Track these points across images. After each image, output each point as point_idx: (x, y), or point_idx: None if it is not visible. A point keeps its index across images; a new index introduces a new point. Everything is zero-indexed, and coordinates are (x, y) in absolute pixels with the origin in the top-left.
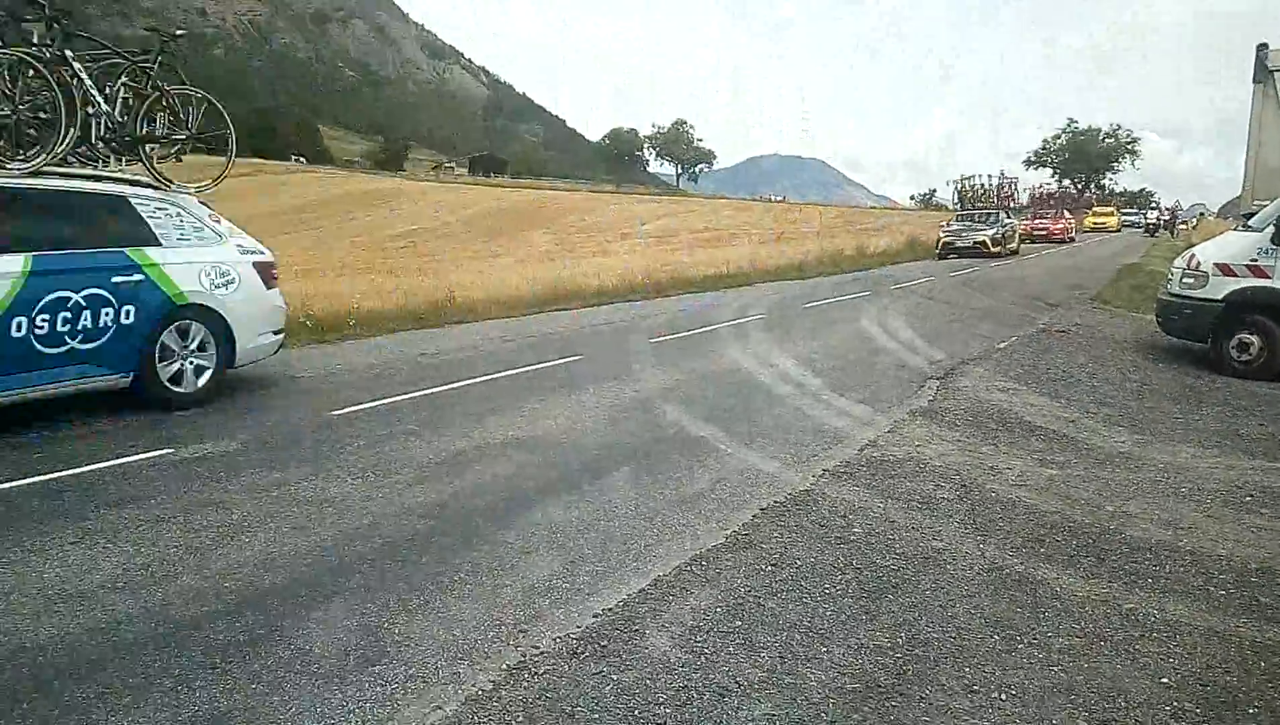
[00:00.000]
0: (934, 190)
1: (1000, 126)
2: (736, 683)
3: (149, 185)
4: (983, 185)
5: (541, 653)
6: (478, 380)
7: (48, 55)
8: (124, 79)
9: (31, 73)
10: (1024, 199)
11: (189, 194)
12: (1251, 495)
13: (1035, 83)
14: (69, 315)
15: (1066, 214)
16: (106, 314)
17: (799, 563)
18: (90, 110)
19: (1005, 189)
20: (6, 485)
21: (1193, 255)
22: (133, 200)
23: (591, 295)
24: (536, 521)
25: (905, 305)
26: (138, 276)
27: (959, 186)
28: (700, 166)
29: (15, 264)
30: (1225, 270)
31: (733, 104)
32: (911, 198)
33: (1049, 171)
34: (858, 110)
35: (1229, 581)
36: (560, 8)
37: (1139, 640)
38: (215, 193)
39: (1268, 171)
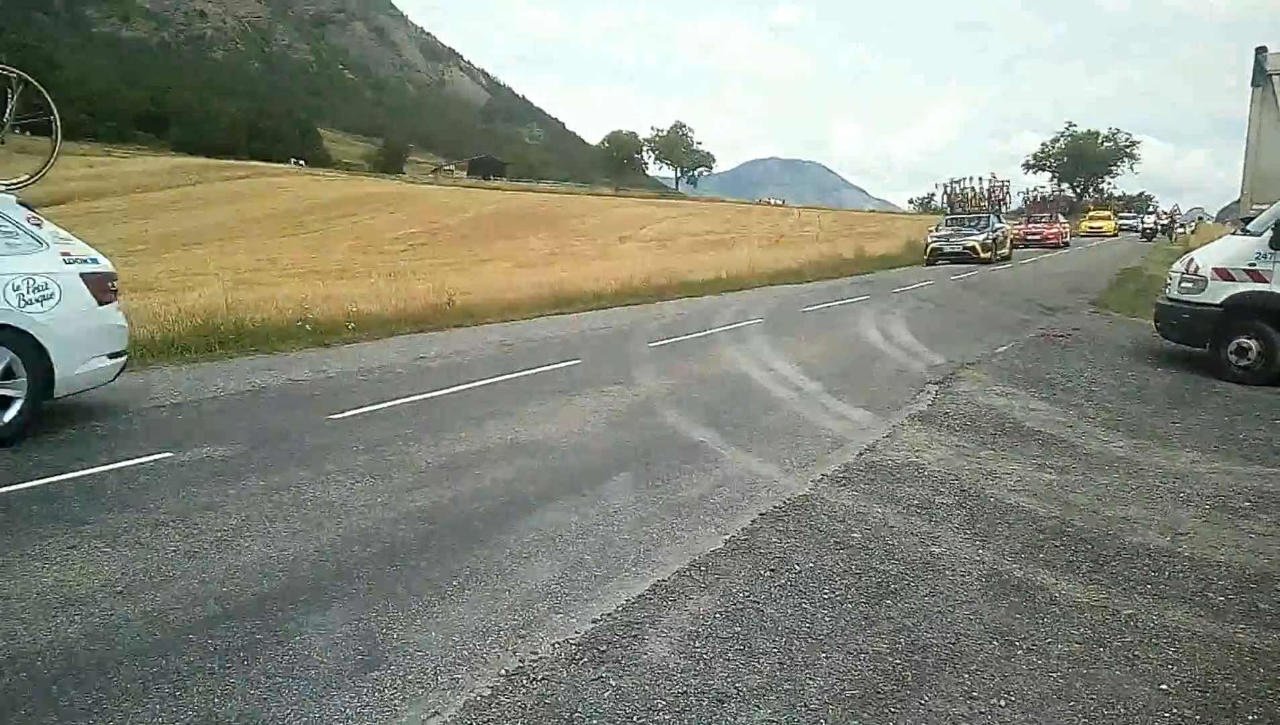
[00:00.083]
0: (933, 194)
1: (1000, 130)
2: (735, 688)
3: None
4: (973, 188)
5: (540, 658)
6: (477, 384)
7: None
8: None
9: None
10: (1018, 203)
11: None
12: (1250, 501)
13: (1036, 86)
14: None
15: (1061, 218)
16: None
17: (798, 568)
18: None
19: (996, 192)
20: (5, 489)
21: (1191, 260)
22: None
23: (591, 299)
24: (536, 526)
25: (904, 309)
26: None
27: (948, 190)
28: (699, 170)
29: None
30: (1223, 275)
31: (732, 107)
32: (911, 202)
33: (1048, 175)
34: (858, 114)
35: (1227, 587)
36: (559, 11)
37: (1138, 646)
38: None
39: (1266, 175)
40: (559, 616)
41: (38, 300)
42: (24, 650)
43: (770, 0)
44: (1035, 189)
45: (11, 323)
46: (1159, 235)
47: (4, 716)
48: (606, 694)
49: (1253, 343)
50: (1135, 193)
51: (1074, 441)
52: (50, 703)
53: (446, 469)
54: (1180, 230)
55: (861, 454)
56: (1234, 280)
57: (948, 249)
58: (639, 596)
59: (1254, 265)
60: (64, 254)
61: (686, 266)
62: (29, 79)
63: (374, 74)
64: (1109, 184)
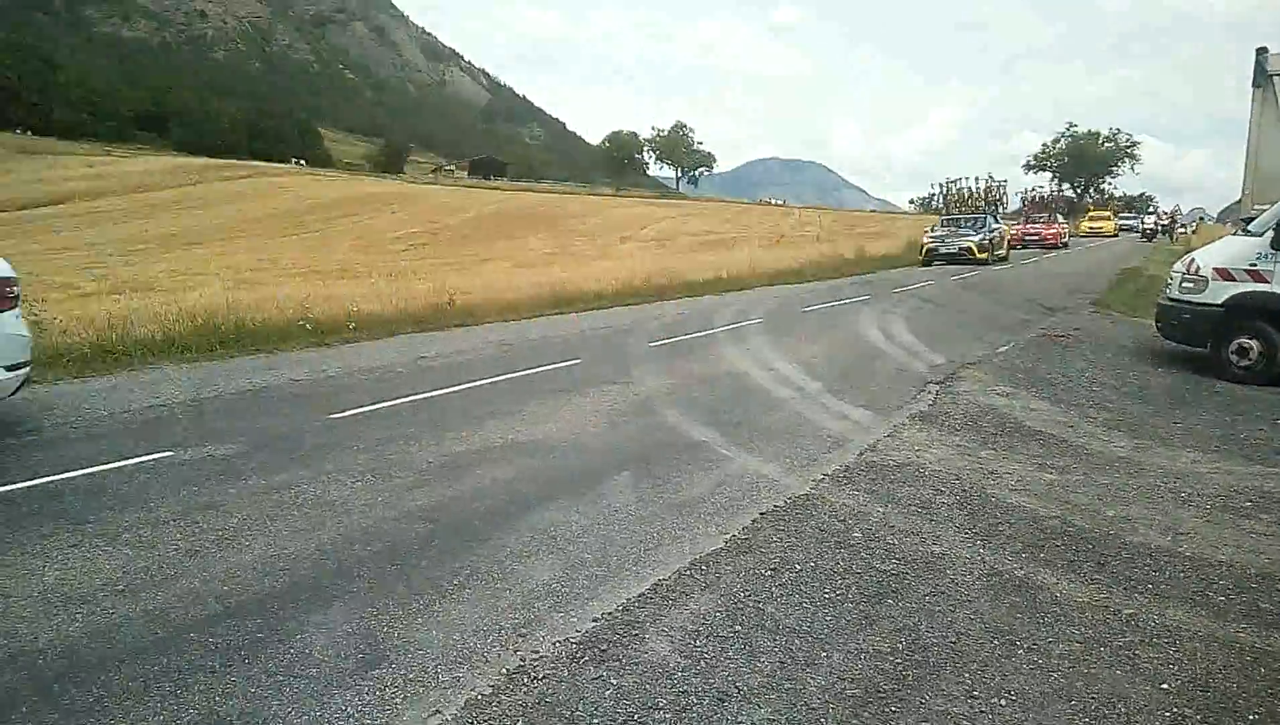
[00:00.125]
0: (933, 194)
1: (1000, 130)
2: (736, 688)
3: None
4: (970, 188)
5: (541, 657)
6: (477, 383)
7: None
8: None
9: None
10: (1016, 203)
11: None
12: (1251, 501)
13: (1036, 86)
14: None
15: (1060, 219)
16: None
17: (799, 567)
18: None
19: (993, 192)
20: (7, 488)
21: (1192, 260)
22: None
23: (591, 298)
24: (536, 525)
25: (905, 309)
26: None
27: (944, 190)
28: (700, 170)
29: None
30: (1224, 275)
31: (733, 107)
32: (911, 202)
33: (1048, 175)
34: (858, 114)
35: (1228, 587)
36: (560, 11)
37: (1139, 646)
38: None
39: (1267, 175)
40: (560, 615)
41: None
42: (25, 649)
43: (770, 0)
44: (1033, 189)
45: None
46: (1159, 235)
47: (5, 715)
48: (607, 693)
49: (1254, 343)
50: (1136, 193)
51: (1075, 441)
52: (52, 701)
53: (447, 468)
54: (1181, 230)
55: (862, 454)
56: (1235, 280)
57: (943, 250)
58: (640, 595)
59: (1255, 265)
60: None
61: (687, 266)
62: None
63: (374, 74)
64: (1110, 184)
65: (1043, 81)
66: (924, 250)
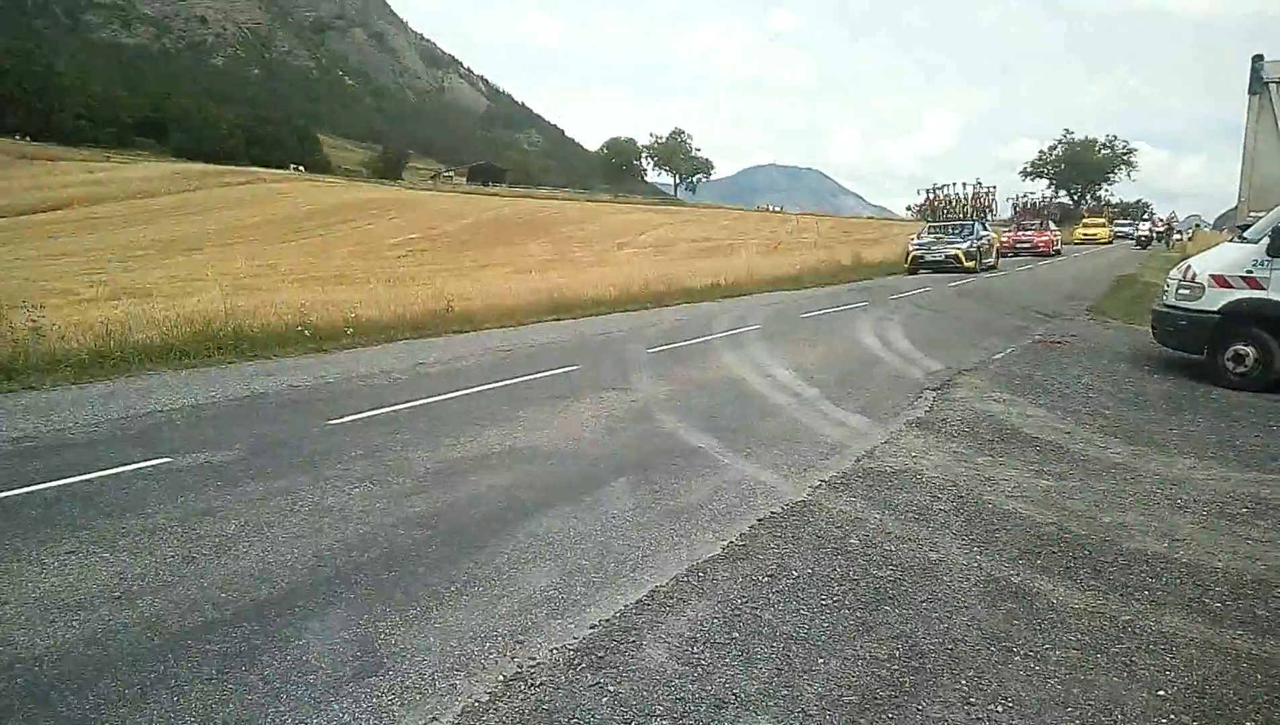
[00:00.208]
0: (924, 201)
1: (997, 137)
2: (733, 694)
3: None
4: (957, 195)
5: (538, 664)
6: (476, 390)
7: None
8: None
9: None
10: (1007, 210)
11: None
12: (1247, 507)
13: (1033, 93)
14: None
15: (1052, 226)
16: None
17: (796, 574)
18: None
19: (982, 199)
20: (4, 494)
21: (1188, 267)
22: None
23: (589, 305)
24: (534, 532)
25: (902, 315)
26: None
27: (930, 196)
28: (698, 176)
29: None
30: (1221, 282)
31: (731, 114)
32: (908, 209)
33: (1045, 182)
34: (855, 120)
35: (1225, 593)
36: (558, 18)
37: (1135, 652)
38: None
39: (1263, 182)
40: (557, 622)
41: None
42: (22, 656)
43: (768, 7)
44: (1025, 195)
45: None
46: (1155, 242)
47: (2, 722)
48: (604, 700)
49: (1250, 350)
50: (1133, 200)
51: (1071, 448)
52: (48, 709)
53: (445, 474)
54: (1177, 237)
55: (859, 460)
56: (1231, 287)
57: (929, 258)
58: (637, 602)
59: (1251, 272)
60: None
61: (685, 272)
62: None
63: (374, 80)
64: (1107, 191)
65: (1040, 89)
66: (909, 258)
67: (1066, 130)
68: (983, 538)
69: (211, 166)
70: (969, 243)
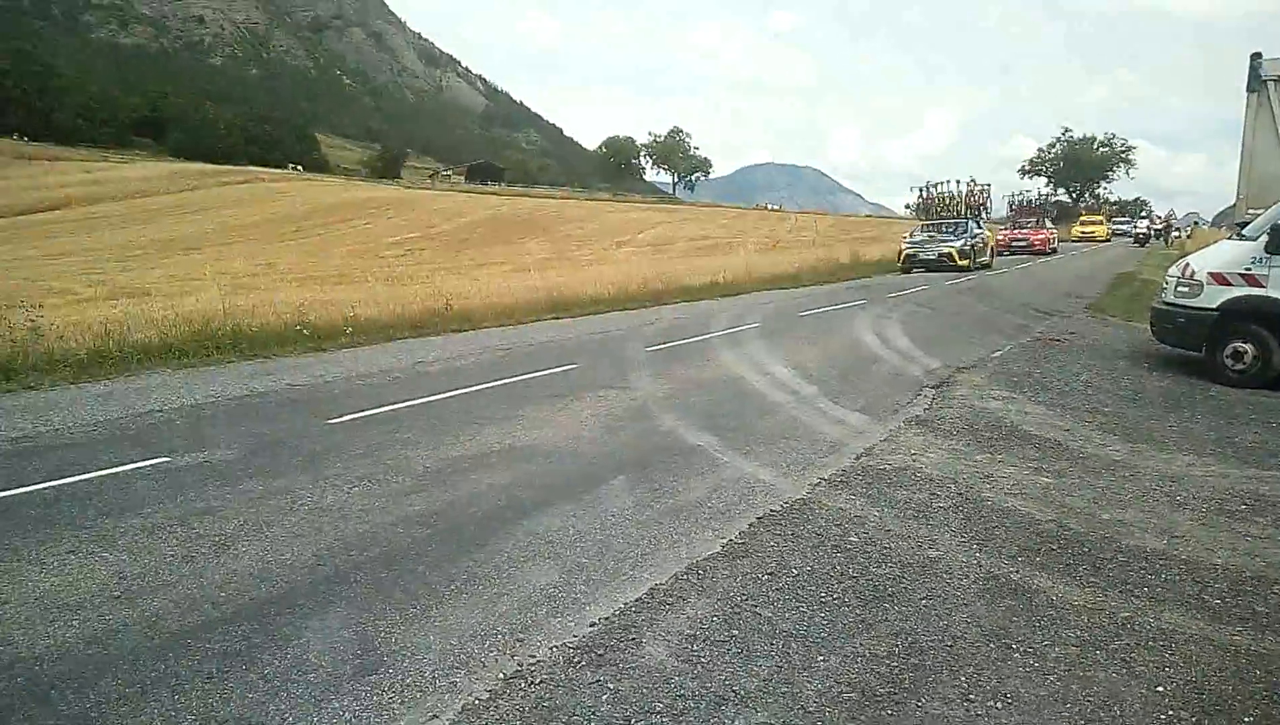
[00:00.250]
0: (920, 200)
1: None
2: (733, 691)
3: None
4: (951, 193)
5: (538, 662)
6: (475, 388)
7: None
8: None
9: None
10: (1002, 208)
11: None
12: (1246, 504)
13: (1032, 91)
14: None
15: (1048, 223)
16: None
17: (795, 571)
18: None
19: (976, 197)
20: (3, 494)
21: (1187, 264)
22: None
23: (588, 303)
24: (533, 530)
25: (900, 313)
26: None
27: (924, 194)
28: (696, 175)
29: None
30: (1219, 279)
31: (729, 112)
32: (907, 206)
33: (1044, 180)
34: (854, 119)
35: (1224, 590)
36: (557, 17)
37: (1134, 649)
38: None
39: (1262, 180)
40: (557, 620)
41: None
42: (22, 655)
43: (767, 6)
44: (1020, 192)
45: None
46: (1153, 240)
47: (3, 721)
48: (604, 697)
49: (1248, 347)
50: (1131, 197)
51: (1070, 445)
52: (48, 708)
53: (444, 473)
54: (1176, 235)
55: (859, 458)
56: (1230, 285)
57: (923, 256)
58: (637, 600)
59: (1249, 270)
60: None
61: (684, 271)
62: None
63: (372, 80)
64: (1105, 189)
65: (1039, 87)
66: (902, 257)
67: (1065, 128)
68: (982, 535)
69: (210, 166)
70: (962, 241)
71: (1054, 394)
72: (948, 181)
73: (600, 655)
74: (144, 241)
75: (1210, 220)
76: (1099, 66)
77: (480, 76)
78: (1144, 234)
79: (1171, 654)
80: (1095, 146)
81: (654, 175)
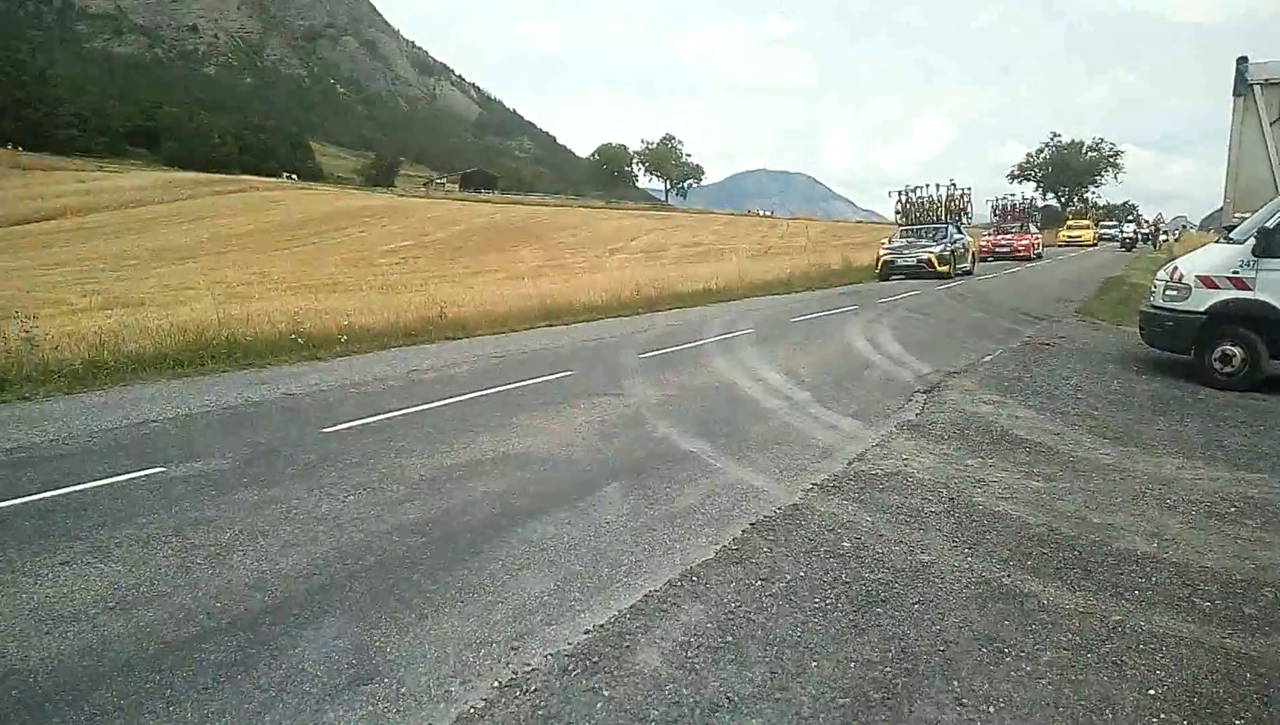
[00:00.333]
0: (901, 206)
1: (986, 142)
2: (727, 698)
3: None
4: (931, 197)
5: (533, 669)
6: (469, 396)
7: None
8: None
9: None
10: (984, 213)
11: None
12: (1235, 506)
13: (1022, 98)
14: None
15: (1033, 228)
16: None
17: (789, 577)
18: None
19: (956, 201)
20: None
21: (1175, 268)
22: None
23: (582, 310)
24: (528, 538)
25: (891, 319)
26: None
27: (903, 199)
28: (689, 182)
29: None
30: (1207, 283)
31: (721, 119)
32: (897, 213)
33: (1033, 185)
34: (845, 126)
35: (1214, 593)
36: (551, 26)
37: (1126, 652)
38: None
39: (1248, 184)
40: (551, 628)
41: None
42: (16, 667)
43: (761, 13)
44: (1004, 197)
45: None
46: (1140, 244)
47: None
48: (599, 705)
49: (1237, 350)
50: (1120, 202)
51: (1061, 449)
52: (43, 720)
53: (439, 481)
54: (1164, 238)
55: (851, 463)
56: (1218, 288)
57: (901, 262)
58: (631, 607)
59: (1237, 273)
60: None
61: (676, 278)
62: None
63: (365, 88)
64: (1094, 194)
65: (1028, 93)
66: (880, 263)
67: (1054, 134)
68: (973, 539)
69: (204, 175)
70: (942, 246)
71: (1044, 398)
72: (927, 186)
73: (595, 663)
74: (138, 251)
75: (1198, 224)
76: (1087, 72)
77: (474, 85)
78: (1130, 238)
79: (1163, 657)
80: (1083, 151)
81: (646, 182)
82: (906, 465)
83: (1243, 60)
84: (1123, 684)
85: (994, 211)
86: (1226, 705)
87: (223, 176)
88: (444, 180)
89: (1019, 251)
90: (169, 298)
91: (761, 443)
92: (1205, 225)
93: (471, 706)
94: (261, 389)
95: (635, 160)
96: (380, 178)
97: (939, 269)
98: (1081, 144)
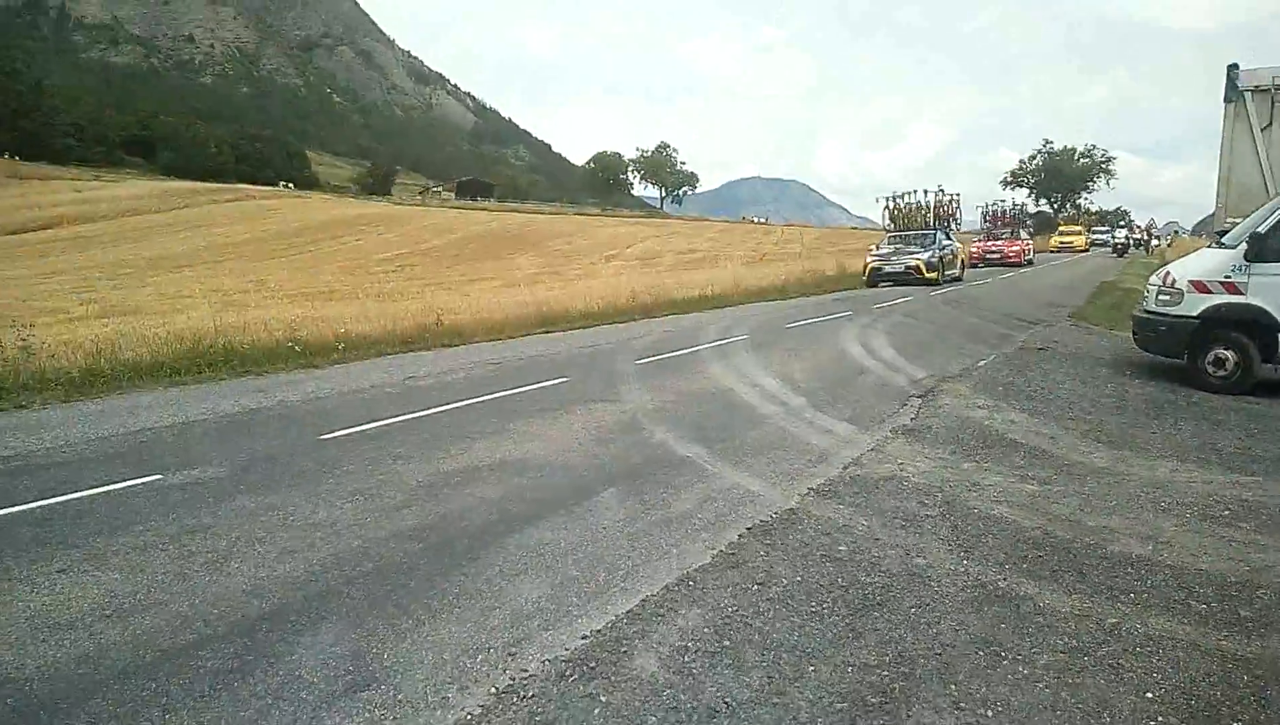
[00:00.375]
0: (888, 211)
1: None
2: (725, 703)
3: None
4: (919, 203)
5: (530, 675)
6: (466, 403)
7: None
8: None
9: None
10: (973, 219)
11: None
12: (1229, 509)
13: (1015, 104)
14: None
15: (1024, 234)
16: None
17: (785, 582)
18: None
19: (945, 207)
20: None
21: (1168, 272)
22: None
23: (578, 317)
24: (525, 544)
25: (887, 324)
26: None
27: (889, 205)
28: (684, 189)
29: None
30: (1200, 287)
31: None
32: (888, 219)
33: (1026, 192)
34: (839, 133)
35: (1210, 595)
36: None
37: (1122, 655)
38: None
39: (1240, 189)
40: (549, 633)
41: None
42: (12, 675)
43: (754, 22)
44: (994, 202)
45: None
46: (1133, 249)
47: None
48: (596, 710)
49: (1229, 354)
50: (1112, 207)
51: (1055, 452)
52: None
53: (436, 488)
54: (1156, 243)
55: (846, 468)
56: (1210, 292)
57: (888, 269)
58: (628, 612)
59: (1229, 278)
60: None
61: (672, 284)
62: None
63: (361, 97)
64: (1086, 199)
65: (1022, 99)
66: (867, 270)
67: (1046, 140)
68: (969, 543)
69: (200, 184)
70: (930, 253)
71: (1038, 402)
72: (915, 191)
73: (592, 668)
74: (135, 260)
75: (1190, 229)
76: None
77: (469, 94)
78: (1123, 243)
79: (1159, 660)
80: (1075, 158)
81: (642, 190)
82: (902, 469)
83: (1234, 67)
84: (1120, 687)
85: (984, 217)
86: (1223, 708)
87: (219, 185)
88: (440, 188)
89: (1009, 258)
90: (166, 306)
91: (757, 448)
92: (1198, 230)
93: (469, 713)
94: (258, 397)
95: (630, 168)
96: (376, 186)
97: (927, 276)
98: (1074, 150)
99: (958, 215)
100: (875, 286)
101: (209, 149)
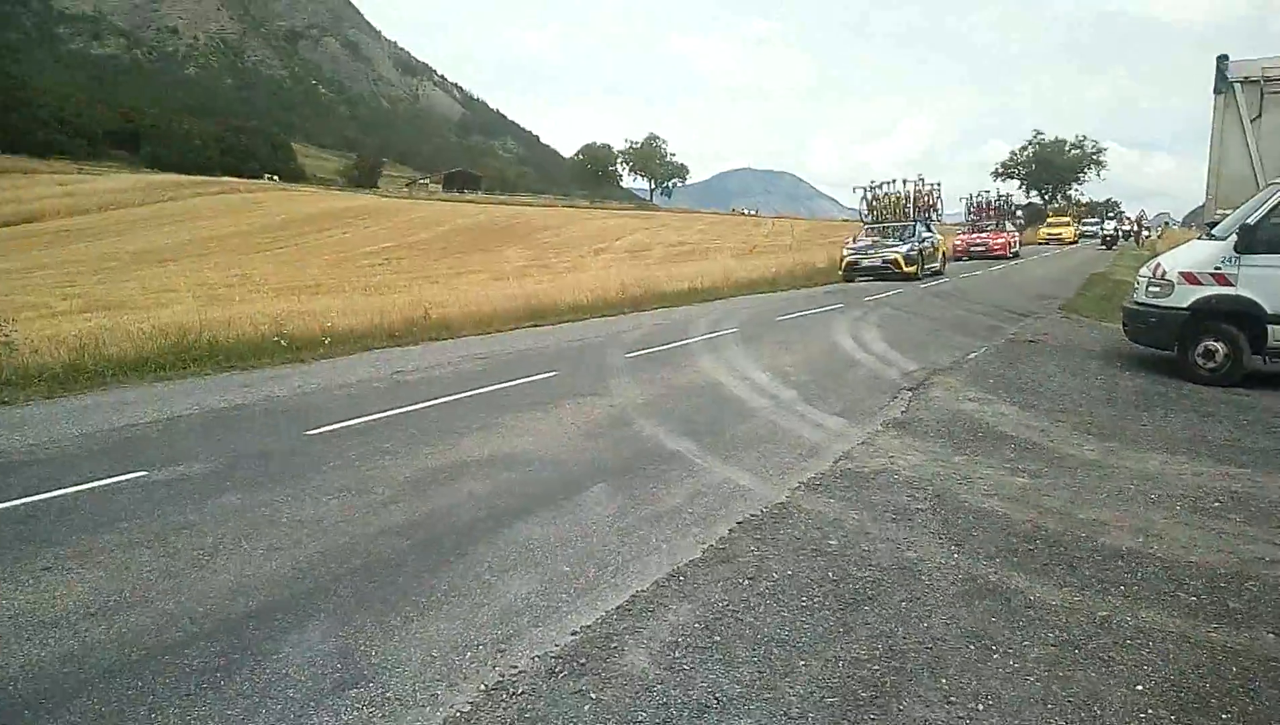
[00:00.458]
0: (867, 202)
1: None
2: (715, 698)
3: None
4: (898, 193)
5: (520, 672)
6: (454, 397)
7: None
8: None
9: None
10: (957, 210)
11: None
12: (1219, 501)
13: (1006, 96)
14: None
15: (1009, 226)
16: None
17: (776, 576)
18: None
19: (925, 197)
20: None
21: (1158, 264)
22: None
23: (567, 310)
24: (514, 539)
25: (877, 317)
26: None
27: (867, 196)
28: (674, 181)
29: None
30: (1190, 279)
31: (705, 119)
32: (865, 210)
33: (1016, 183)
34: (830, 125)
35: (1199, 587)
36: (533, 26)
37: (1113, 648)
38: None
39: (1230, 180)
40: (538, 630)
41: None
42: None
43: (744, 14)
44: (979, 193)
45: None
46: (1122, 241)
47: None
48: (586, 707)
49: (1219, 345)
50: (1103, 199)
51: (1046, 445)
52: None
53: (425, 483)
54: (1146, 235)
55: (837, 461)
56: (1200, 284)
57: (866, 263)
58: (618, 608)
59: (1219, 269)
60: None
61: (662, 277)
62: None
63: (348, 89)
64: (1077, 191)
65: (1012, 91)
66: (843, 264)
67: (1036, 131)
68: (960, 536)
69: (185, 177)
70: (909, 246)
71: (1029, 395)
72: (894, 181)
73: (582, 664)
74: (119, 253)
75: (1181, 220)
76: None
77: (456, 85)
78: (1111, 235)
79: (1150, 652)
80: (1066, 149)
81: (631, 182)
82: (893, 463)
83: (1223, 58)
84: (1110, 679)
85: (969, 209)
86: (1213, 699)
87: (204, 178)
88: (427, 180)
89: (994, 250)
90: (150, 300)
91: (748, 441)
92: (1188, 222)
93: (458, 710)
94: (244, 392)
95: (620, 160)
96: (363, 179)
97: (905, 270)
98: (1064, 142)
99: (938, 206)
100: (852, 281)
101: (194, 142)
